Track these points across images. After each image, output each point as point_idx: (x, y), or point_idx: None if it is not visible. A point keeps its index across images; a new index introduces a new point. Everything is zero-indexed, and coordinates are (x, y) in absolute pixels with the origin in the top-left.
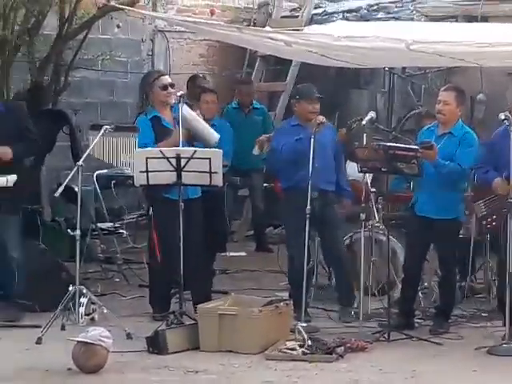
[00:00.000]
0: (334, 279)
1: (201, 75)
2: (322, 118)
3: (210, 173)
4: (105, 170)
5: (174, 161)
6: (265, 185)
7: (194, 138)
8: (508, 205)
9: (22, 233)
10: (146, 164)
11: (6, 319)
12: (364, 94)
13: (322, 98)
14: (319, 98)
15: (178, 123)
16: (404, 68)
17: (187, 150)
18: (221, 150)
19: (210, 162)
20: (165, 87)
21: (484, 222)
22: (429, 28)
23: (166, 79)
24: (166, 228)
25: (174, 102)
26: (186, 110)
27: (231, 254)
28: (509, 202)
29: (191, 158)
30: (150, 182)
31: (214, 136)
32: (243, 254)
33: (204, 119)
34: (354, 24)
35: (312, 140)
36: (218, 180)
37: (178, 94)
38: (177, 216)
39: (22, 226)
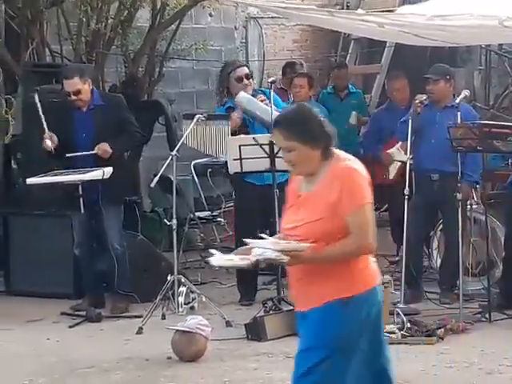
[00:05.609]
0: (432, 261)
1: (298, 62)
2: (420, 97)
3: None
4: (204, 159)
5: (267, 147)
6: None
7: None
8: None
9: (123, 224)
10: (240, 151)
11: (116, 311)
12: (461, 72)
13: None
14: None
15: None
16: (501, 45)
17: None
18: None
19: None
20: (239, 79)
21: None
22: None
23: (242, 71)
24: (246, 212)
25: (250, 92)
26: (241, 98)
27: None
28: None
29: None
30: (244, 170)
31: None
32: None
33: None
34: (447, 2)
35: (410, 120)
36: None
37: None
38: (255, 200)
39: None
